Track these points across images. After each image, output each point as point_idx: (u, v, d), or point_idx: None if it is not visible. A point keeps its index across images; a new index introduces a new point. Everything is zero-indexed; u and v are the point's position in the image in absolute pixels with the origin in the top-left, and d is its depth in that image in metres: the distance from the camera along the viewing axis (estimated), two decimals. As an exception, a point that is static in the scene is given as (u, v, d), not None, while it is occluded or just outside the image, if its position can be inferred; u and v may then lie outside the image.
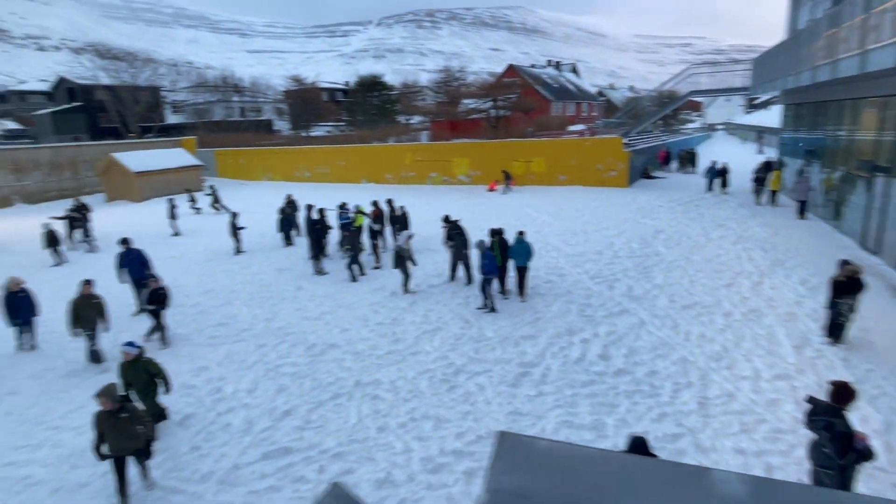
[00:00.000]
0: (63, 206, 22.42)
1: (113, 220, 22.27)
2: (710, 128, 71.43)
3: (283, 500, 5.77)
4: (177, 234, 19.27)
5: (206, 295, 12.54)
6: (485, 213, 19.97)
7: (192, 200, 23.83)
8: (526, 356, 8.58)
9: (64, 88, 56.69)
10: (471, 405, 7.33)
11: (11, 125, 68.70)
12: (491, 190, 25.51)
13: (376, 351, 9.12)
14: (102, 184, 29.90)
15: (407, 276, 11.83)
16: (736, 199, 20.37)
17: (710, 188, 22.44)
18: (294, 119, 61.78)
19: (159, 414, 7.11)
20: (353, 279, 13.01)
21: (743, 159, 31.67)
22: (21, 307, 9.62)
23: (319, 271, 13.79)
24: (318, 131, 60.91)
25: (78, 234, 18.26)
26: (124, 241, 11.65)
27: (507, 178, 24.83)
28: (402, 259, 11.66)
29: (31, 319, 9.80)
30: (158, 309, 9.65)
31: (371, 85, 58.73)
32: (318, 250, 13.99)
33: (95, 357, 9.16)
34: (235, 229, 16.06)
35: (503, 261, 11.00)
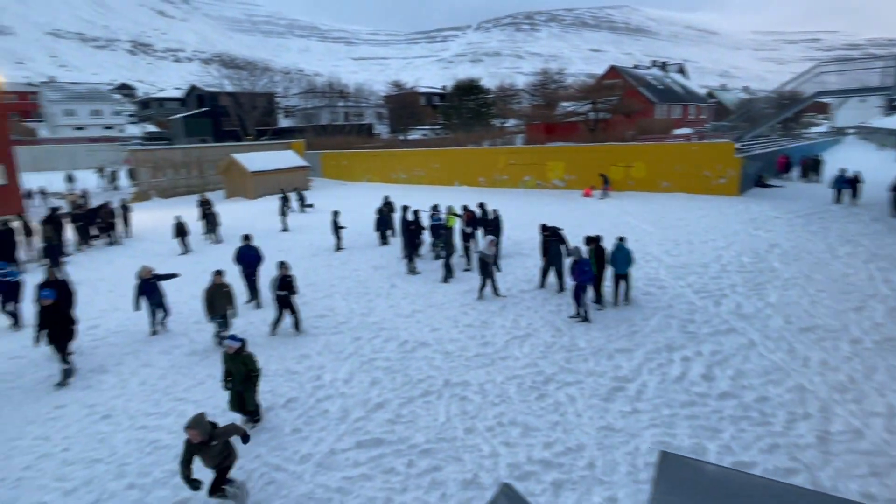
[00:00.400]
0: (190, 202, 25.03)
1: (231, 216, 24.46)
2: (839, 132, 63.97)
3: (374, 489, 6.01)
4: (285, 229, 20.76)
5: (308, 287, 13.38)
6: (579, 218, 19.44)
7: (301, 199, 25.58)
8: (620, 370, 8.24)
9: (194, 95, 63.27)
10: (560, 416, 7.17)
11: (151, 128, 78.04)
12: (586, 195, 24.79)
13: (465, 352, 9.21)
14: (223, 182, 32.97)
15: (492, 281, 11.76)
16: (869, 213, 18.11)
17: (838, 199, 20.15)
18: (393, 123, 64.15)
19: (254, 411, 7.35)
20: (446, 280, 13.24)
21: (879, 168, 28.07)
22: (153, 293, 10.61)
23: (412, 271, 14.20)
24: (414, 135, 62.75)
25: (205, 226, 20.34)
26: (246, 238, 12.70)
27: (605, 183, 23.98)
28: (486, 264, 11.63)
29: (162, 303, 10.81)
30: (287, 295, 10.22)
31: (467, 89, 59.41)
32: (411, 250, 14.41)
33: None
34: (337, 227, 17.00)
35: (599, 270, 10.66)
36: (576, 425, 6.94)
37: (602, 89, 43.01)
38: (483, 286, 11.77)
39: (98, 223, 19.81)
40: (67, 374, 8.91)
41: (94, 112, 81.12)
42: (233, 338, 7.23)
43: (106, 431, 7.48)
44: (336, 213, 17.23)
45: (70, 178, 37.79)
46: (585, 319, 10.14)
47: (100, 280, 14.98)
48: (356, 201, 26.79)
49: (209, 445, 5.25)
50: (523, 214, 21.09)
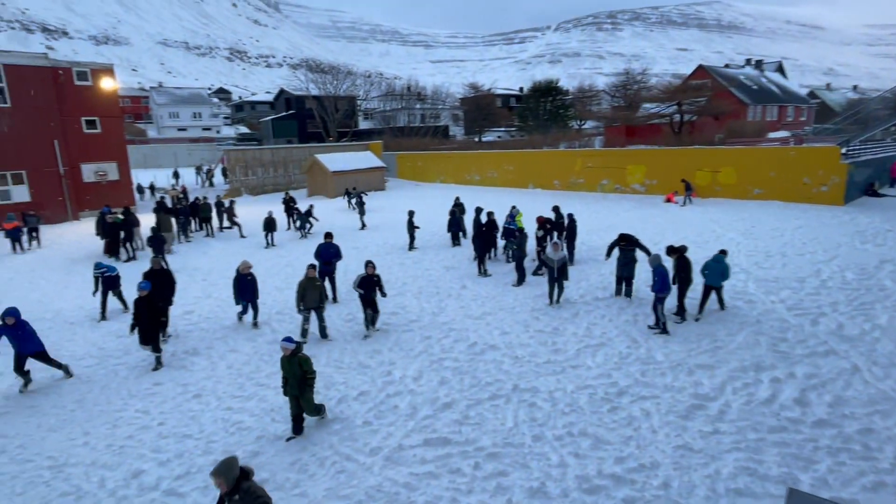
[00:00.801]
0: (276, 199, 26.52)
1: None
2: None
3: (440, 487, 6.07)
4: (363, 227, 21.48)
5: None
6: (660, 225, 18.56)
7: (352, 197, 26.24)
8: (701, 387, 7.77)
9: (283, 99, 66.95)
10: (634, 430, 6.88)
11: (244, 130, 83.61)
12: (669, 201, 23.62)
13: (535, 358, 9.08)
14: (306, 180, 34.65)
15: (559, 287, 11.45)
16: None
17: (966, 212, 17.83)
18: (468, 124, 64.48)
19: (317, 409, 7.34)
20: (518, 283, 13.12)
21: None
22: (247, 289, 11.06)
23: (483, 273, 14.19)
24: (489, 136, 62.73)
25: (290, 222, 21.57)
26: (328, 235, 13.22)
27: (688, 189, 22.72)
28: (551, 269, 11.32)
29: (254, 301, 11.21)
30: (368, 295, 10.31)
31: (545, 90, 58.55)
32: (483, 252, 14.41)
33: (323, 333, 10.47)
34: (412, 227, 17.36)
35: (683, 282, 10.11)
36: (650, 441, 6.63)
37: (689, 90, 40.86)
38: (552, 291, 11.55)
39: (197, 217, 21.63)
40: (158, 361, 9.60)
41: (194, 114, 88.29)
42: (288, 339, 7.10)
43: (196, 410, 8.09)
44: (412, 214, 17.59)
45: (176, 175, 41.64)
46: (664, 331, 9.67)
47: (195, 269, 16.24)
48: (429, 202, 27.18)
49: (233, 498, 4.39)
50: (600, 219, 20.47)
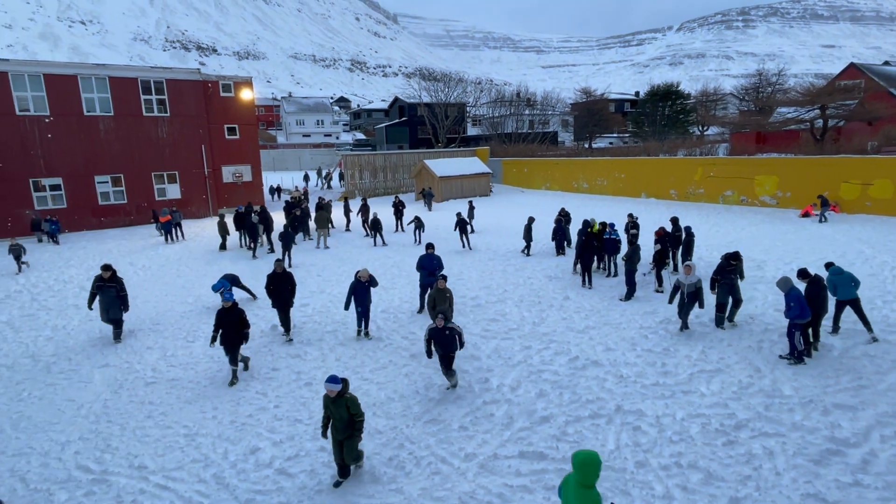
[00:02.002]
0: (387, 202, 27.77)
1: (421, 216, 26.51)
2: None
3: (534, 503, 5.93)
4: (471, 231, 21.76)
5: (483, 290, 13.81)
6: (794, 242, 16.69)
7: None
8: (840, 430, 6.82)
9: (397, 106, 70.12)
10: (753, 469, 6.22)
11: (360, 136, 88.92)
12: (806, 214, 21.12)
13: (642, 379, 8.56)
14: (415, 185, 35.89)
15: (685, 313, 10.32)
16: None
17: None
18: (578, 130, 62.78)
19: (357, 457, 6.50)
20: (627, 297, 12.48)
21: None
22: (363, 295, 10.79)
23: (588, 284, 13.69)
24: (600, 143, 60.53)
25: (400, 225, 22.54)
26: (429, 246, 12.68)
27: (825, 205, 20.04)
28: (683, 296, 10.23)
29: (368, 308, 11.15)
30: (446, 351, 8.52)
31: (664, 94, 55.24)
32: (589, 263, 13.90)
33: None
34: (530, 232, 17.26)
35: (816, 311, 8.95)
36: (773, 485, 5.94)
37: (836, 92, 36.21)
38: (684, 317, 10.34)
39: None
40: (235, 374, 9.26)
41: (317, 121, 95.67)
42: (333, 380, 6.17)
43: (307, 397, 8.69)
44: (531, 220, 17.54)
45: (306, 178, 45.84)
46: (800, 360, 8.63)
47: (312, 265, 17.50)
48: (532, 209, 26.81)
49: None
50: (722, 233, 18.88)
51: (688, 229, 14.27)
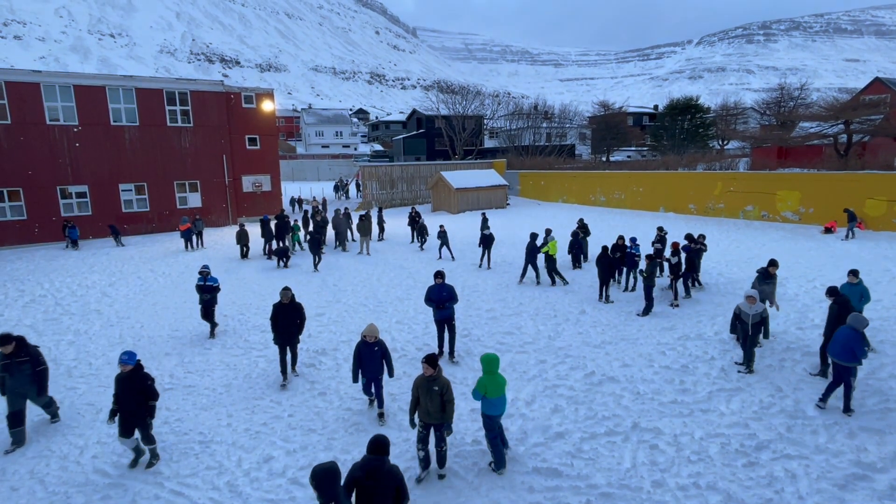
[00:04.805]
0: (403, 213, 27.87)
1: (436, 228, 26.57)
2: None
3: (548, 520, 5.83)
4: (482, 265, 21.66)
5: (499, 303, 13.75)
6: (816, 259, 16.34)
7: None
8: (866, 455, 6.61)
9: (414, 118, 70.72)
10: (775, 493, 6.04)
11: (378, 147, 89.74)
12: (829, 230, 20.67)
13: (659, 396, 8.40)
14: (431, 196, 36.04)
15: (750, 346, 9.09)
16: None
17: None
18: (595, 143, 62.58)
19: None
20: (645, 312, 12.30)
21: None
22: (373, 362, 8.52)
23: (605, 299, 13.55)
24: (618, 156, 60.21)
25: (414, 235, 22.65)
26: (438, 275, 10.38)
27: (851, 220, 19.61)
28: (748, 328, 8.95)
29: (380, 378, 8.94)
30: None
31: (683, 108, 54.86)
32: (606, 277, 13.76)
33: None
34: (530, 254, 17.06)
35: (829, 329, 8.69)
36: (796, 509, 5.77)
37: (861, 106, 35.59)
38: (748, 352, 9.12)
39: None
40: (139, 454, 7.21)
41: (336, 133, 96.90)
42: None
43: (321, 407, 8.70)
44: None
45: (336, 189, 47.19)
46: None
47: (328, 274, 17.61)
48: (549, 222, 26.71)
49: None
50: (742, 249, 18.56)
51: (700, 239, 14.08)
